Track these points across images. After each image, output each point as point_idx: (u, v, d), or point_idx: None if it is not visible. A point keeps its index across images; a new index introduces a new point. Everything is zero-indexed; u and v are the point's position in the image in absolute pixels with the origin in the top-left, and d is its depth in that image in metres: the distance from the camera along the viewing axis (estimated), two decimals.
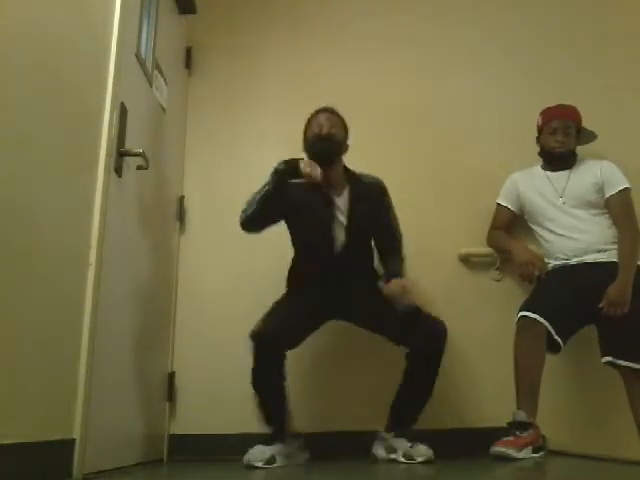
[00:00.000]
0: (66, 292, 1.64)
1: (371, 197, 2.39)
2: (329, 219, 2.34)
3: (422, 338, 2.17)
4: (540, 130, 2.67)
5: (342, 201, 2.36)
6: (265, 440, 2.16)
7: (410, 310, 2.18)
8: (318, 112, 2.39)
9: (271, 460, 2.09)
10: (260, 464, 2.07)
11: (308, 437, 2.37)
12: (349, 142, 2.44)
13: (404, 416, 2.26)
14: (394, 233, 2.45)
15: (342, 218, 2.34)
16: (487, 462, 2.13)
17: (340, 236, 2.33)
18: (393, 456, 2.20)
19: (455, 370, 2.68)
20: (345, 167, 2.44)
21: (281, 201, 2.29)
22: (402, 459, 2.17)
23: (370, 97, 2.98)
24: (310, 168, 2.22)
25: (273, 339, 2.13)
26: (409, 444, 2.18)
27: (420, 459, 2.13)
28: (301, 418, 2.36)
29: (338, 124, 2.37)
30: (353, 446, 2.47)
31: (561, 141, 2.59)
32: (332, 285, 2.30)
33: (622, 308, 2.34)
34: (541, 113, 2.68)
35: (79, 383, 1.67)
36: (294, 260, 2.45)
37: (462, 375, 2.68)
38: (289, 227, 2.44)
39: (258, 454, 2.10)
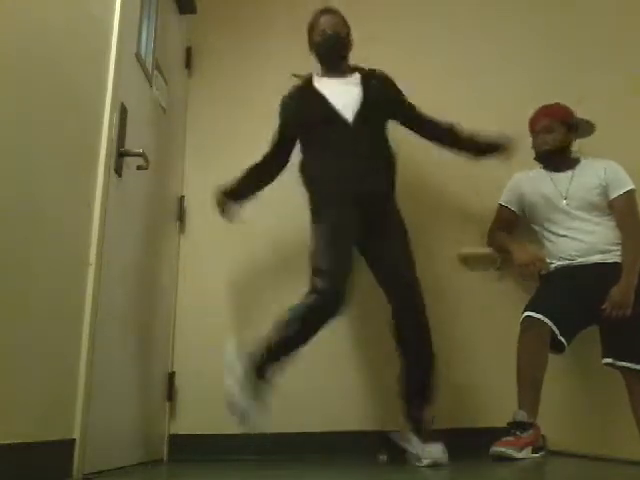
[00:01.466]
0: (66, 292, 1.64)
1: (381, 79, 2.47)
2: (348, 94, 2.35)
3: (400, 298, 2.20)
4: (531, 137, 2.70)
5: (354, 81, 2.41)
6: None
7: None
8: (320, 13, 2.48)
9: None
10: None
11: (312, 437, 2.36)
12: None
13: (414, 406, 2.18)
14: (419, 112, 2.50)
15: (356, 93, 2.35)
16: (487, 462, 2.13)
17: (355, 108, 2.32)
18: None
19: (455, 370, 2.68)
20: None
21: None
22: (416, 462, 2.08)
23: None
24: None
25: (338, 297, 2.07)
26: (423, 443, 2.09)
27: (426, 462, 2.04)
28: (305, 417, 2.35)
29: (341, 23, 2.45)
30: (356, 446, 2.47)
31: (543, 139, 2.61)
32: (355, 170, 2.26)
33: (625, 310, 2.34)
34: (528, 121, 2.71)
35: (79, 383, 1.67)
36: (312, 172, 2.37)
37: (462, 375, 2.68)
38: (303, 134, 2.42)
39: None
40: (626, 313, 2.34)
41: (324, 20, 2.45)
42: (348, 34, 2.48)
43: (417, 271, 2.26)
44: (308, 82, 2.45)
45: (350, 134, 2.29)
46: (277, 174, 2.47)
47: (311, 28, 2.49)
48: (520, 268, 2.56)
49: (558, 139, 2.61)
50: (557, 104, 2.66)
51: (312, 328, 2.08)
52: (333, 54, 2.45)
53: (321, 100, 2.35)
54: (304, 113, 2.40)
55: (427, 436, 2.12)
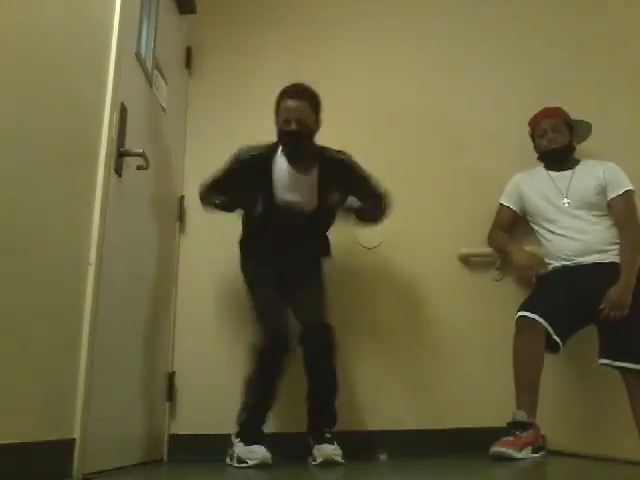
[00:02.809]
0: (66, 292, 1.64)
1: (339, 175, 2.37)
2: (299, 194, 2.35)
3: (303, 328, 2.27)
4: (532, 137, 2.72)
5: (311, 181, 2.36)
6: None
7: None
8: (287, 95, 2.29)
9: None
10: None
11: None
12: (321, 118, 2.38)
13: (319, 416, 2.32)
14: (370, 185, 2.41)
15: (312, 195, 2.35)
16: (487, 462, 2.13)
17: (305, 208, 2.35)
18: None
19: (455, 370, 2.68)
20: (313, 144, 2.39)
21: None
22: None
23: (370, 97, 2.98)
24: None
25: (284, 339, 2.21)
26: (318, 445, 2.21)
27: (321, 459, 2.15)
28: (305, 417, 2.35)
29: (306, 111, 2.27)
30: (356, 446, 2.47)
31: (551, 138, 2.62)
32: (286, 247, 2.36)
33: (622, 311, 2.34)
34: (529, 123, 2.72)
35: (79, 383, 1.67)
36: (247, 229, 2.50)
37: (462, 375, 2.68)
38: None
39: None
40: (623, 314, 2.34)
41: (290, 106, 2.26)
42: (316, 121, 2.32)
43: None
44: (268, 155, 2.37)
45: (290, 231, 2.35)
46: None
47: (277, 106, 2.32)
48: (518, 270, 2.56)
49: (564, 138, 2.63)
50: (556, 107, 2.67)
51: (268, 369, 2.22)
52: (294, 149, 2.32)
53: (269, 187, 2.35)
54: (254, 185, 2.38)
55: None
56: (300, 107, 2.26)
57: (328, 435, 2.23)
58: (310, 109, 2.29)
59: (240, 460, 2.13)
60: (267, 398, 2.24)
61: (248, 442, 2.16)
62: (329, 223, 2.48)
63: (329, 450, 2.15)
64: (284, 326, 2.23)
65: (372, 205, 2.43)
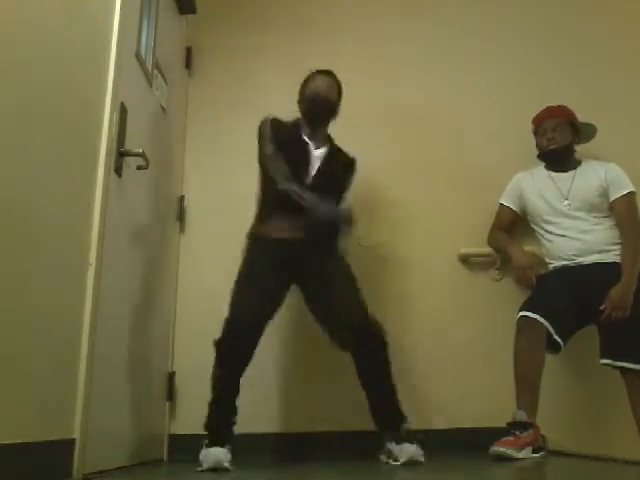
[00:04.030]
0: (66, 292, 1.64)
1: (343, 164, 2.44)
2: (304, 160, 2.36)
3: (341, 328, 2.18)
4: (535, 135, 2.71)
5: (318, 153, 2.39)
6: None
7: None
8: (317, 73, 2.45)
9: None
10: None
11: (312, 436, 2.36)
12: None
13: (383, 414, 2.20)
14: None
15: (315, 166, 2.36)
16: (487, 462, 2.13)
17: (310, 179, 2.34)
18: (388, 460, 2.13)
19: (455, 370, 2.68)
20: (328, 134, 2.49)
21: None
22: (386, 459, 2.12)
23: (370, 97, 2.98)
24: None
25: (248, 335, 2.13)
26: (397, 444, 2.11)
27: (403, 459, 2.05)
28: (305, 417, 2.35)
29: (334, 88, 2.44)
30: (356, 446, 2.47)
31: (551, 137, 2.61)
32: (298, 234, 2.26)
33: (624, 312, 2.34)
34: (532, 120, 2.72)
35: (79, 383, 1.67)
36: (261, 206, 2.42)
37: (462, 375, 2.68)
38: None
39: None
40: (625, 314, 2.34)
41: (320, 80, 2.43)
42: (338, 100, 2.46)
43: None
44: (296, 125, 2.45)
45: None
46: None
47: (305, 83, 2.46)
48: (518, 271, 2.56)
49: (565, 138, 2.62)
50: (562, 106, 2.66)
51: (228, 361, 2.13)
52: (318, 117, 2.43)
53: (303, 145, 2.38)
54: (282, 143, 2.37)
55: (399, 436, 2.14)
56: (329, 82, 2.44)
57: (404, 434, 2.14)
58: (337, 89, 2.46)
59: (199, 463, 2.04)
60: (223, 394, 2.15)
61: (209, 444, 2.06)
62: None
63: (411, 450, 2.06)
64: (246, 317, 2.13)
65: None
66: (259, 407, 2.60)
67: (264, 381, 2.63)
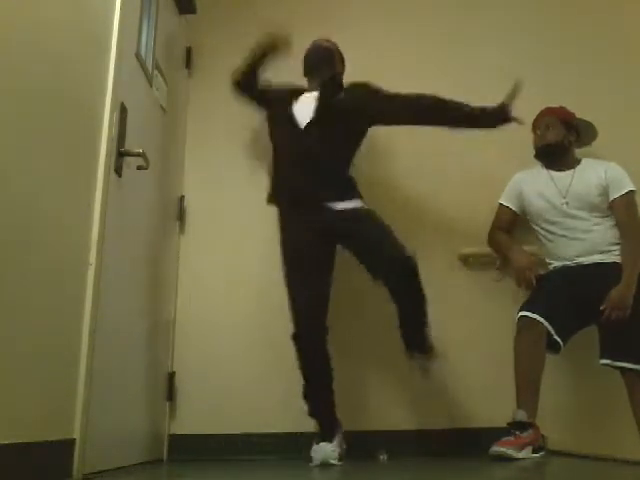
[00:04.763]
0: (66, 292, 1.64)
1: (352, 89, 2.49)
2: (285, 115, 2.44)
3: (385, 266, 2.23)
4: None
5: (333, 107, 2.45)
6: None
7: None
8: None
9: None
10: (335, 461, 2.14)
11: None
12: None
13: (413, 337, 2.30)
14: (416, 98, 2.45)
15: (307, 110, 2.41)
16: (487, 462, 2.13)
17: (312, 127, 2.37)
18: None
19: (455, 370, 2.68)
20: None
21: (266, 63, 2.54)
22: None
23: None
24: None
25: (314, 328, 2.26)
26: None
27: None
28: (305, 417, 2.35)
29: (332, 45, 2.58)
30: (356, 445, 2.47)
31: (540, 135, 2.63)
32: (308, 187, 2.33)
33: (624, 312, 2.34)
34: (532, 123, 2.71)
35: (79, 383, 1.68)
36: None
37: (462, 375, 2.68)
38: (269, 125, 2.55)
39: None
40: (625, 314, 2.34)
41: (319, 38, 2.59)
42: (338, 55, 2.58)
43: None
44: (299, 91, 2.53)
45: (302, 141, 2.36)
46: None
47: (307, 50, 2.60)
48: (517, 272, 2.54)
49: (555, 135, 2.62)
50: (558, 106, 2.67)
51: (303, 356, 2.26)
52: (314, 65, 2.53)
53: (290, 114, 2.43)
54: (277, 103, 2.51)
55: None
56: (326, 40, 2.60)
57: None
58: (337, 51, 2.61)
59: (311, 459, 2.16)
60: (315, 384, 2.27)
61: (318, 438, 2.19)
62: (348, 150, 2.45)
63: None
64: (311, 313, 2.25)
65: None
66: (257, 408, 2.61)
67: (260, 383, 2.63)
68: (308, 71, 2.55)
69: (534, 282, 2.51)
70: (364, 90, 2.47)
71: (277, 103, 2.51)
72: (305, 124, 2.37)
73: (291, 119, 2.40)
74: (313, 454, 2.15)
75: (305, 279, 2.29)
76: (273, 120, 2.53)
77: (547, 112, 2.66)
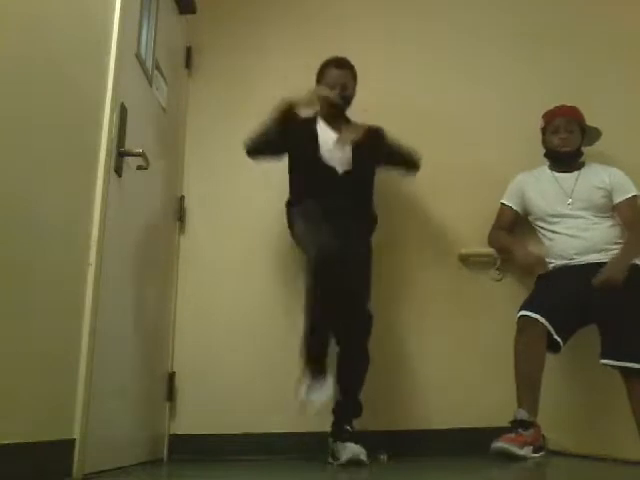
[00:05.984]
0: (66, 292, 1.64)
1: (371, 137, 2.47)
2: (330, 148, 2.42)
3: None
4: (543, 131, 2.69)
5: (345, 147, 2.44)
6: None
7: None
8: (332, 65, 2.51)
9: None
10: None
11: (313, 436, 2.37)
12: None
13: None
14: (401, 147, 2.54)
15: (345, 150, 2.42)
16: (487, 462, 2.13)
17: (341, 164, 2.42)
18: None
19: (455, 369, 2.68)
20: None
21: (282, 131, 2.45)
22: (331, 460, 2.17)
23: (370, 96, 2.97)
24: (326, 92, 2.46)
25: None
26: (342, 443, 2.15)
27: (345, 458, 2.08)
28: (305, 417, 2.35)
29: (349, 79, 2.52)
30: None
31: (564, 138, 2.60)
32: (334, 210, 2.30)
33: (615, 283, 2.34)
34: (543, 115, 2.70)
35: (79, 383, 1.67)
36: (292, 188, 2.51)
37: (462, 375, 2.68)
38: (291, 156, 2.52)
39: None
40: (616, 287, 2.34)
41: (335, 75, 2.49)
42: (354, 89, 2.54)
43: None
44: (312, 119, 2.54)
45: (335, 183, 2.38)
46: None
47: (320, 75, 2.54)
48: (522, 268, 2.56)
49: (577, 140, 2.63)
50: (574, 106, 2.66)
51: (326, 280, 2.11)
52: (336, 114, 2.51)
53: (315, 140, 2.45)
54: (297, 141, 2.48)
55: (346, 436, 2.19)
56: (344, 74, 2.51)
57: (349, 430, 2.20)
58: (352, 78, 2.53)
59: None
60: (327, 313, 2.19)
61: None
62: (368, 189, 2.50)
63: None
64: (331, 241, 2.13)
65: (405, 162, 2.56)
66: (258, 409, 2.61)
67: (260, 383, 2.63)
68: (327, 115, 2.53)
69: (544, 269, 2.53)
70: (379, 141, 2.51)
71: (298, 142, 2.49)
72: (341, 172, 2.41)
73: (320, 161, 2.42)
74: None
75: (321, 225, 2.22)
76: (297, 158, 2.51)
77: (567, 112, 2.63)
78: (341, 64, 2.51)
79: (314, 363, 2.15)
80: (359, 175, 2.45)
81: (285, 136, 2.45)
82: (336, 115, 2.51)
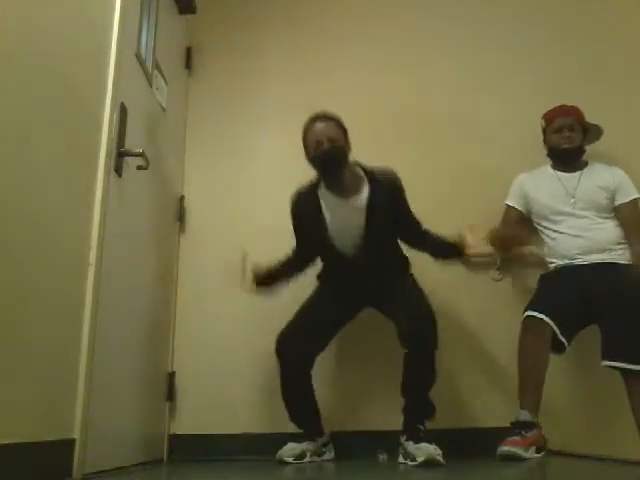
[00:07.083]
0: (66, 292, 1.64)
1: (389, 192, 2.36)
2: (350, 222, 2.34)
3: (407, 320, 2.20)
4: (544, 131, 2.69)
5: (360, 201, 2.33)
6: (296, 437, 2.29)
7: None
8: (312, 122, 2.30)
9: (301, 456, 2.24)
10: (291, 459, 2.20)
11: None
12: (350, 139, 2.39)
13: (410, 414, 2.23)
14: (417, 221, 2.47)
15: (361, 218, 2.33)
16: (487, 462, 2.13)
17: (358, 237, 2.34)
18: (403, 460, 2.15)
19: (455, 370, 2.68)
20: (359, 164, 2.40)
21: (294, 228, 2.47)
22: (403, 460, 2.14)
23: (370, 97, 2.98)
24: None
25: (296, 352, 2.28)
26: (415, 444, 2.10)
27: (421, 459, 2.03)
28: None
29: (335, 129, 2.28)
30: (356, 445, 2.48)
31: (567, 136, 2.61)
32: (354, 282, 2.37)
33: None
34: (543, 116, 2.70)
35: (79, 383, 1.67)
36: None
37: (462, 375, 2.68)
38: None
39: (289, 450, 2.22)
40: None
41: (318, 130, 2.26)
42: (345, 138, 2.31)
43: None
44: (314, 191, 2.39)
45: (350, 263, 2.36)
46: (306, 267, 2.52)
47: (305, 138, 2.30)
48: (500, 242, 2.49)
49: (579, 139, 2.63)
50: (575, 106, 2.66)
51: (285, 384, 2.30)
52: (333, 169, 2.30)
53: (322, 226, 2.35)
54: (307, 229, 2.42)
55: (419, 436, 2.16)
56: (328, 126, 2.28)
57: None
58: (338, 127, 2.29)
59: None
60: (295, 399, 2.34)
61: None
62: (389, 245, 2.45)
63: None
64: (295, 342, 2.27)
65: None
66: (258, 408, 2.61)
67: (260, 383, 2.63)
68: (325, 175, 2.35)
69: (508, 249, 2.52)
70: (399, 200, 2.40)
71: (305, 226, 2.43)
72: (351, 253, 2.36)
73: (331, 248, 2.38)
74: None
75: (319, 315, 2.35)
76: (313, 247, 2.48)
77: (569, 112, 2.64)
78: (324, 118, 2.28)
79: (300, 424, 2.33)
80: (374, 242, 2.34)
81: (297, 234, 2.45)
82: (336, 175, 2.32)
